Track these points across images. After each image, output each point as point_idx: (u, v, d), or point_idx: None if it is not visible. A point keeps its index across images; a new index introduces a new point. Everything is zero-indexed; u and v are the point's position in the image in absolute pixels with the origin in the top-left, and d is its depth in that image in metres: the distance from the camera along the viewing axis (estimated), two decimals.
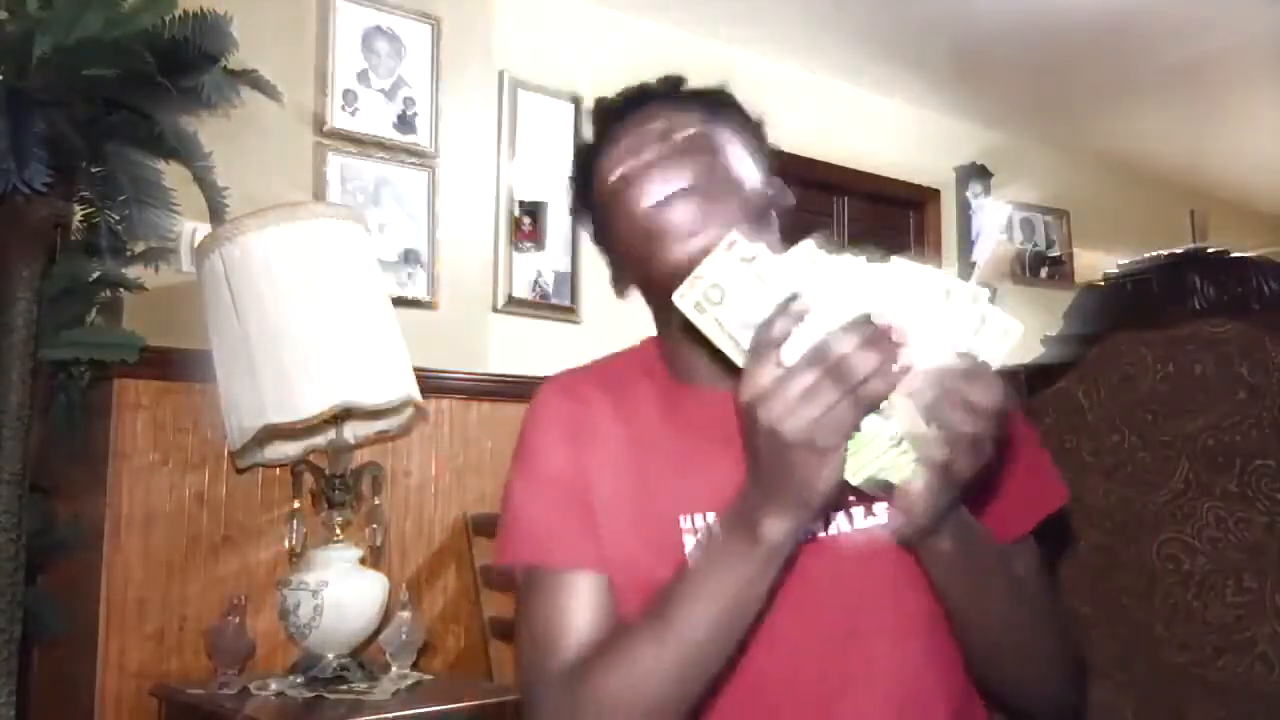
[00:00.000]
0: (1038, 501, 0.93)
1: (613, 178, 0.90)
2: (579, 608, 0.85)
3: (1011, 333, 0.69)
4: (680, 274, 0.71)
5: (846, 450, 0.68)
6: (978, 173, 4.23)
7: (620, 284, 0.96)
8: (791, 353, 0.66)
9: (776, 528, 0.71)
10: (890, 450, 0.69)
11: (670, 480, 0.89)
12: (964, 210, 4.22)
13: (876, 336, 0.65)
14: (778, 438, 0.66)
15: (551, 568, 0.87)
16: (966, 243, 4.23)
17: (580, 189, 0.97)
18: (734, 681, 0.82)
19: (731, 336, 0.69)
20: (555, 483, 0.90)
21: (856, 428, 0.67)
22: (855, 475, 0.69)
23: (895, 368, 0.66)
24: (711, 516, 0.85)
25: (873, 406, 0.67)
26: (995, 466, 0.77)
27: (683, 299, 0.70)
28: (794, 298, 0.67)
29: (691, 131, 0.89)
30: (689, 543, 0.86)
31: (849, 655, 0.85)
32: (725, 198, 0.86)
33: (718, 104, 0.95)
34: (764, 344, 0.66)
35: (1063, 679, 0.91)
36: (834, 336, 0.65)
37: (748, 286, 0.69)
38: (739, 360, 0.69)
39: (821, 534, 0.86)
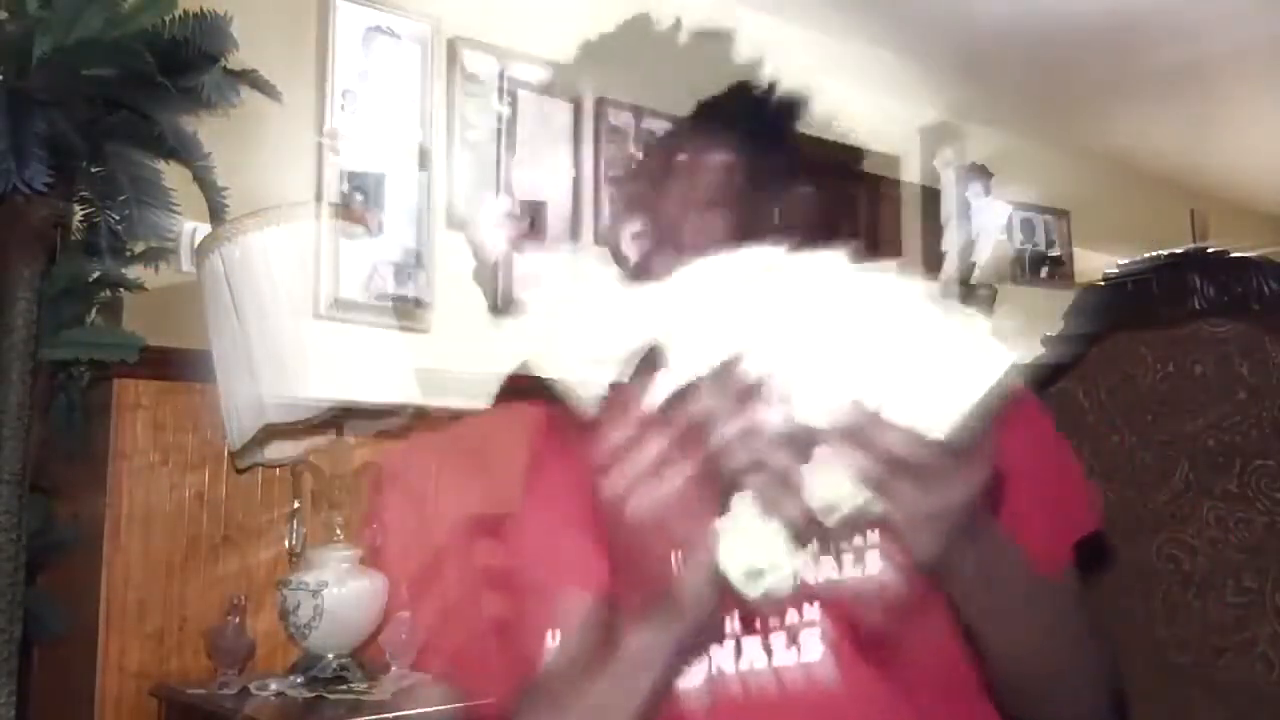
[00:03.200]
0: (1060, 531, 0.84)
1: None
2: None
3: (998, 362, 0.52)
4: None
5: (719, 538, 0.53)
6: (978, 172, 4.23)
7: None
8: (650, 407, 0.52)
9: (638, 638, 0.57)
10: (774, 536, 0.53)
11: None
12: (962, 209, 4.22)
13: (746, 388, 0.50)
14: (624, 518, 0.52)
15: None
16: (965, 241, 4.23)
17: None
18: None
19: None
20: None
21: (723, 509, 0.52)
22: (733, 567, 0.54)
23: (772, 428, 0.50)
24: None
25: (738, 482, 0.52)
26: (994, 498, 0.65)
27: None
28: (652, 345, 0.52)
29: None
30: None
31: None
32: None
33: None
34: (614, 399, 0.52)
35: (1094, 709, 0.83)
36: (690, 389, 0.50)
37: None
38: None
39: (731, 670, 0.68)
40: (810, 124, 0.84)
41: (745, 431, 0.50)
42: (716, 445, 0.50)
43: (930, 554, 0.57)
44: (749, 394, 0.51)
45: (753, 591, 0.54)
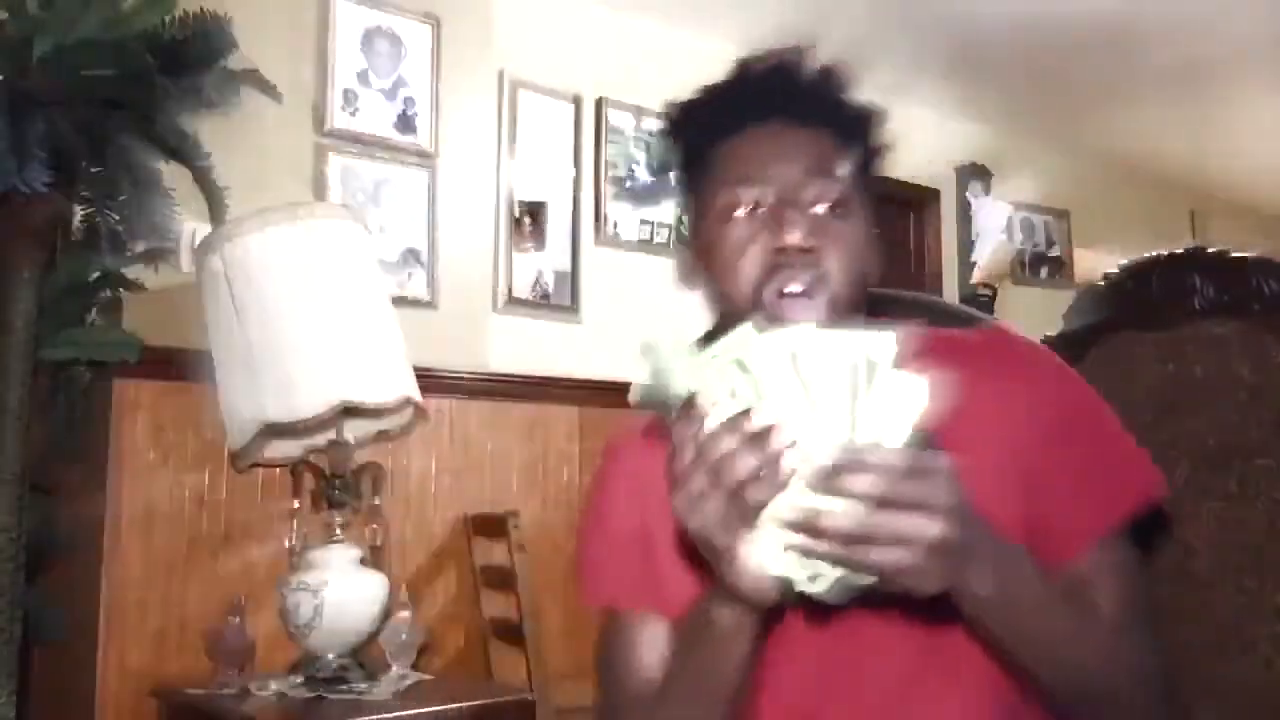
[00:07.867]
0: (1107, 501, 0.84)
1: (718, 201, 0.86)
2: (642, 650, 0.88)
3: (917, 397, 0.62)
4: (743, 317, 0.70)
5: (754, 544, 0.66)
6: (978, 173, 4.23)
7: (689, 281, 0.91)
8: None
9: (721, 614, 0.72)
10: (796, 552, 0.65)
11: None
12: (963, 210, 4.22)
13: (753, 438, 0.62)
14: (689, 531, 0.66)
15: (621, 610, 0.90)
16: (966, 242, 4.23)
17: (680, 158, 0.93)
18: None
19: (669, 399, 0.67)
20: (620, 535, 0.91)
21: (749, 528, 0.65)
22: (775, 570, 0.66)
23: (780, 470, 0.63)
24: None
25: (759, 509, 0.64)
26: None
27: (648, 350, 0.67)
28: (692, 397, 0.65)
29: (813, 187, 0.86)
30: None
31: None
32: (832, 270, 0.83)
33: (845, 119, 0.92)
34: (676, 437, 0.66)
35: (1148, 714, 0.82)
36: (712, 437, 0.63)
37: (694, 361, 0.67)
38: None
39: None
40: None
41: (754, 474, 0.63)
42: (733, 483, 0.63)
43: (936, 586, 0.65)
44: (757, 442, 0.63)
45: (814, 590, 0.65)
